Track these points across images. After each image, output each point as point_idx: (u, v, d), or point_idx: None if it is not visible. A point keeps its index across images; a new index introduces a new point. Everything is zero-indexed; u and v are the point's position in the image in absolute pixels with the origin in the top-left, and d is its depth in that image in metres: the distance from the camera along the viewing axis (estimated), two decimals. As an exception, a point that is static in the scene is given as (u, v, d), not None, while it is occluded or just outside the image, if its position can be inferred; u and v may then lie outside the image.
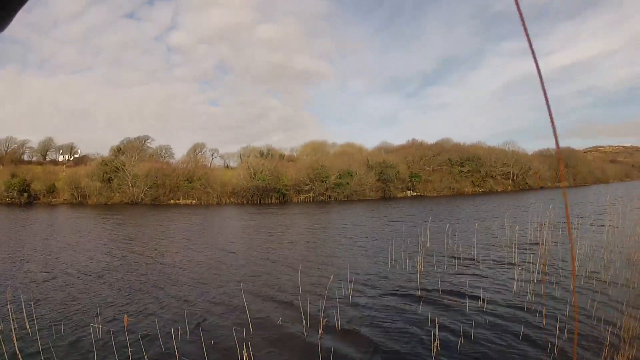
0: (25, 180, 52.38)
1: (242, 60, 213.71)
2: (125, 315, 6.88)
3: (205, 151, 60.02)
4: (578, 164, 69.65)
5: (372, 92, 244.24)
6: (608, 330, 6.20)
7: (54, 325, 6.92)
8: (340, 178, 49.78)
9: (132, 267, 11.99)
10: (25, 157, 67.36)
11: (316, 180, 49.16)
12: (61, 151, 67.69)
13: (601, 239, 14.28)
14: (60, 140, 72.17)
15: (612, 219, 18.96)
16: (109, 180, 53.88)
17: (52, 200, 54.10)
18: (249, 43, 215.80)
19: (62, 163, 63.85)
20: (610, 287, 8.73)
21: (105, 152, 58.95)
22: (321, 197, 49.16)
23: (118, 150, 55.73)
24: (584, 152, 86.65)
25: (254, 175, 49.13)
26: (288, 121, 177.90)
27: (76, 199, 53.27)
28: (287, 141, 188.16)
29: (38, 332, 6.54)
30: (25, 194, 51.70)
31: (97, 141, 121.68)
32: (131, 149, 55.45)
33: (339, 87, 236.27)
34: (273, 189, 48.49)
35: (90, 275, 10.86)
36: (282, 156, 54.89)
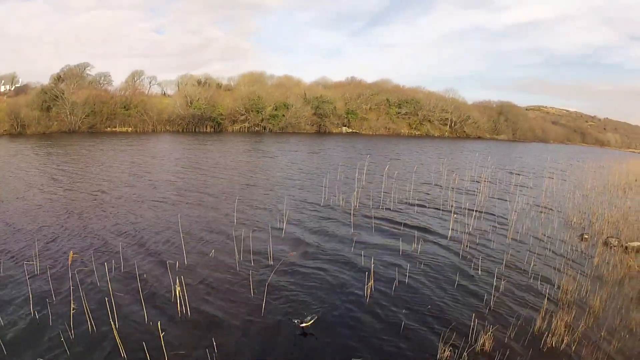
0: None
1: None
2: (71, 252, 6.66)
3: (144, 78, 59.38)
4: (518, 120, 71.56)
5: (318, 26, 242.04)
6: (546, 290, 6.03)
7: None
8: (276, 110, 50.85)
9: (68, 199, 11.28)
10: (-35, 89, 65.42)
11: (252, 110, 50.10)
12: (2, 81, 66.06)
13: (539, 198, 13.80)
14: (4, 70, 70.19)
15: (552, 179, 18.25)
16: (48, 109, 53.48)
17: (-8, 132, 53.47)
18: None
19: (4, 93, 62.46)
20: (548, 246, 8.34)
21: (47, 81, 58.13)
22: (256, 128, 50.29)
23: (58, 79, 54.87)
24: (526, 110, 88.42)
25: (190, 103, 49.64)
26: (231, 51, 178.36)
27: (15, 130, 52.91)
28: (228, 71, 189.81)
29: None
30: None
31: (41, 70, 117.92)
32: (71, 76, 54.77)
33: (286, 19, 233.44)
34: (208, 117, 49.19)
35: (26, 210, 9.99)
36: (219, 85, 55.09)
